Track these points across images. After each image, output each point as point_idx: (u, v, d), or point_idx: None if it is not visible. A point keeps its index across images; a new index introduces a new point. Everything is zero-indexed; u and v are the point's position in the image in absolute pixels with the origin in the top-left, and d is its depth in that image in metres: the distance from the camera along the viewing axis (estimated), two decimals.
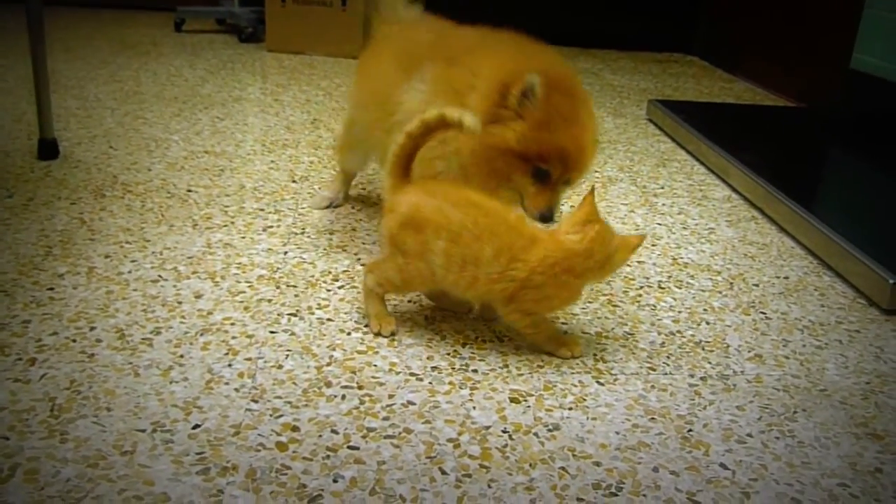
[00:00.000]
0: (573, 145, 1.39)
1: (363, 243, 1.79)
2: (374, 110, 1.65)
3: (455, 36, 1.61)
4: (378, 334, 1.41)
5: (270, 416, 1.17)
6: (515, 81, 1.36)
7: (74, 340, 1.33)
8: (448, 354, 1.37)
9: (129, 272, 1.57)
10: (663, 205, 2.22)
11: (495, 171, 1.42)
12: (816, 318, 1.63)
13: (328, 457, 1.09)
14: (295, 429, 1.15)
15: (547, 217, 1.42)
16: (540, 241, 1.32)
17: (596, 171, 2.44)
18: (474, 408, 1.23)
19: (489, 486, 1.06)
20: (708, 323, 1.57)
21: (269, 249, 1.72)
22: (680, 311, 1.61)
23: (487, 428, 1.18)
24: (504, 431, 1.18)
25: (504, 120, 1.38)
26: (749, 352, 1.47)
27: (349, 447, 1.12)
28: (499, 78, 1.39)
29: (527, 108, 1.36)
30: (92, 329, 1.36)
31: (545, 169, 1.39)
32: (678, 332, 1.53)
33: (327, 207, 1.97)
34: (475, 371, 1.33)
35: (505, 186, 1.44)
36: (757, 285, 1.76)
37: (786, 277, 1.81)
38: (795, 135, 2.99)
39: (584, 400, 1.28)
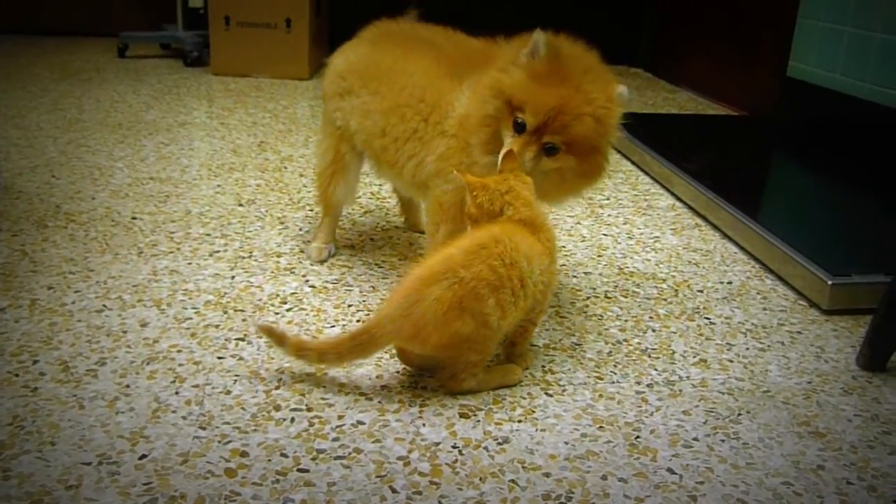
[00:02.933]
0: (555, 102, 1.36)
1: (311, 265, 1.79)
2: (411, 119, 1.57)
3: (475, 41, 1.63)
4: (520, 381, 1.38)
5: (219, 442, 1.16)
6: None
7: (17, 375, 1.30)
8: (397, 372, 1.38)
9: (73, 303, 1.55)
10: (609, 215, 2.25)
11: (487, 118, 1.43)
12: (759, 321, 1.67)
13: (278, 481, 1.09)
14: (244, 454, 1.14)
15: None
16: (527, 222, 1.35)
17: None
18: (424, 425, 1.23)
19: (439, 503, 1.07)
20: (654, 330, 1.59)
21: (216, 274, 1.71)
22: (626, 320, 1.63)
23: (437, 444, 1.19)
24: (454, 447, 1.19)
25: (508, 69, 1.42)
26: (694, 357, 1.50)
27: (299, 470, 1.12)
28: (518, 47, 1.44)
29: (530, 63, 1.40)
30: (35, 362, 1.34)
31: (521, 120, 1.38)
32: (625, 340, 1.55)
33: (327, 259, 1.82)
34: (424, 388, 1.33)
35: (497, 149, 1.43)
36: (701, 291, 1.79)
37: (729, 282, 1.85)
38: (736, 143, 3.06)
39: (533, 412, 1.29)
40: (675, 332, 1.59)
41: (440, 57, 1.59)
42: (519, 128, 1.39)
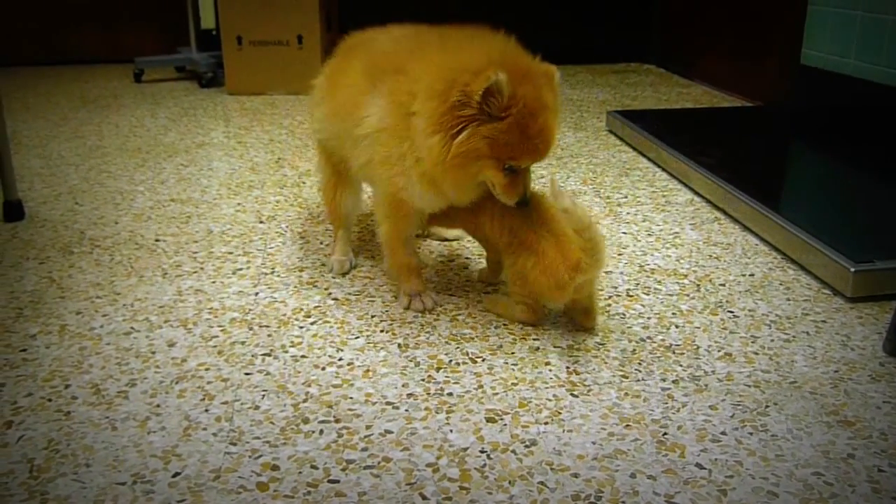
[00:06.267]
0: (542, 141, 1.41)
1: (333, 278, 1.80)
2: (343, 121, 1.62)
3: (407, 40, 1.61)
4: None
5: (250, 457, 1.18)
6: (475, 80, 1.33)
7: (50, 400, 1.33)
8: (423, 380, 1.39)
9: (101, 327, 1.58)
10: (627, 213, 2.25)
11: (466, 174, 1.44)
12: (783, 311, 1.66)
13: (309, 493, 1.10)
14: (275, 468, 1.16)
15: (524, 202, 1.50)
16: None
17: (560, 186, 2.46)
18: (451, 431, 1.24)
19: None
20: (677, 326, 1.59)
21: (240, 292, 1.73)
22: (649, 318, 1.63)
23: (465, 449, 1.20)
24: (482, 451, 1.20)
25: (466, 123, 1.36)
26: (719, 351, 1.50)
27: (329, 481, 1.13)
28: (447, 77, 1.37)
29: (494, 108, 1.35)
30: (67, 387, 1.37)
31: (516, 166, 1.44)
32: (648, 337, 1.55)
33: (349, 271, 1.84)
34: (450, 394, 1.34)
35: (474, 181, 1.47)
36: (723, 285, 1.79)
37: (751, 275, 1.84)
38: (752, 134, 3.05)
39: (560, 413, 1.29)
40: (698, 327, 1.59)
41: (366, 62, 1.60)
42: (513, 170, 1.44)
